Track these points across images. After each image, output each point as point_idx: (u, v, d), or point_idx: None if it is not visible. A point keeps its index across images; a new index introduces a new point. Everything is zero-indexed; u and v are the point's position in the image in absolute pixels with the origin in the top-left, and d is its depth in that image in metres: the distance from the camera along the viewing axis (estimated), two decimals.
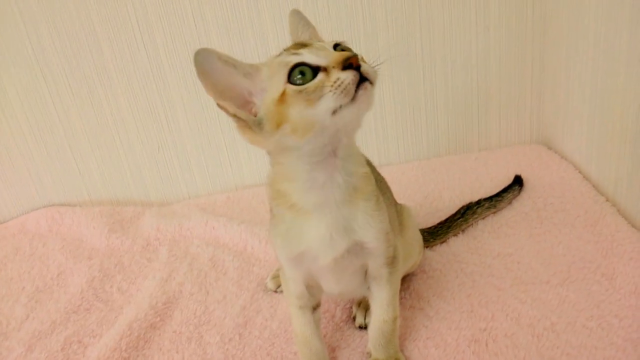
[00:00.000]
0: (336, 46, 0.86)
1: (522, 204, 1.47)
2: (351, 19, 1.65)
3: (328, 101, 0.78)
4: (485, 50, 1.68)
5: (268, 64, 0.86)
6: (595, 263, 1.20)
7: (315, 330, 1.05)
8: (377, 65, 0.83)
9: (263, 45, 1.68)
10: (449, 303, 1.17)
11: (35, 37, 1.67)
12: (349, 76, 0.77)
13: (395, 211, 1.16)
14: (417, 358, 1.05)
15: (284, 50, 0.88)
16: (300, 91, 0.79)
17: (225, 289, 1.35)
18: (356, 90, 0.77)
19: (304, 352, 1.05)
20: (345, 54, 0.80)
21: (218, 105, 0.85)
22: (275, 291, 1.31)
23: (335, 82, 0.77)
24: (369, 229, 0.93)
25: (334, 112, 0.78)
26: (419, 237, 1.23)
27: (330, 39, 0.94)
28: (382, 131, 1.79)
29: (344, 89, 0.77)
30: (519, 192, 1.50)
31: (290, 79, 0.81)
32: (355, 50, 0.86)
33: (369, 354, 1.06)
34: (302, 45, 0.86)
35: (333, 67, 0.79)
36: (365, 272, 1.02)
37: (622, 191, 1.34)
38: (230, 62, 0.84)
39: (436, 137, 1.80)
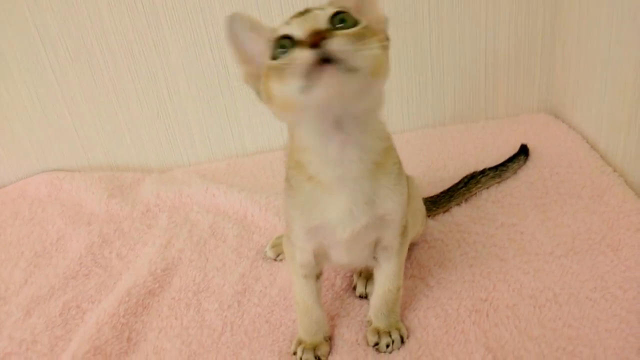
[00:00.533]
0: (336, 15, 0.77)
1: (527, 173, 1.44)
2: None
3: (292, 80, 0.72)
4: (494, 15, 1.63)
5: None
6: (600, 234, 1.18)
7: (317, 299, 1.04)
8: (369, 46, 0.73)
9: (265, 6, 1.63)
10: (451, 273, 1.16)
11: (33, 0, 1.62)
12: (306, 56, 0.70)
13: None
14: (417, 327, 1.04)
15: (292, 15, 0.82)
16: (273, 67, 0.76)
17: (224, 256, 1.34)
18: (316, 73, 0.70)
19: (304, 321, 1.04)
20: (311, 29, 0.72)
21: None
22: (275, 259, 1.30)
23: (297, 59, 0.71)
24: (390, 203, 0.91)
25: (302, 91, 0.72)
26: (422, 208, 1.20)
27: None
28: (387, 98, 1.72)
29: (301, 70, 0.70)
30: (525, 162, 1.47)
31: (273, 52, 0.77)
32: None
33: (370, 323, 1.05)
34: (305, 12, 0.80)
35: (303, 42, 0.72)
36: (375, 244, 1.00)
37: (630, 162, 1.31)
38: (256, 28, 0.83)
39: (442, 104, 1.76)
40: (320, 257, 1.01)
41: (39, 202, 1.70)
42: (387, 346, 1.01)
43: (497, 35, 1.66)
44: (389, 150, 0.92)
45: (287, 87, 0.74)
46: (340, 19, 0.76)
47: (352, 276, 1.20)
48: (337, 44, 0.70)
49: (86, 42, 1.68)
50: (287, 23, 0.79)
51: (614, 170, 1.36)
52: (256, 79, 0.85)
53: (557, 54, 1.67)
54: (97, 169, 1.86)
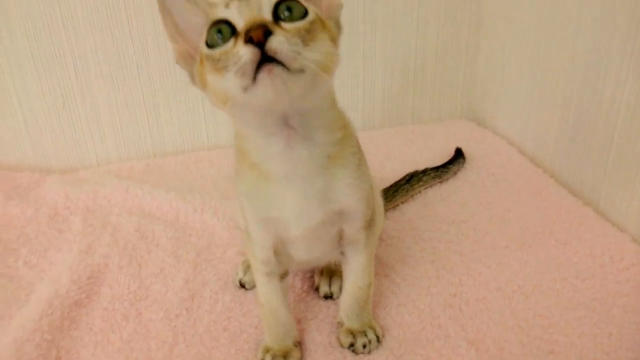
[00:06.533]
0: (281, 2, 0.68)
1: (465, 174, 1.48)
2: None
3: (229, 77, 0.65)
4: (424, 20, 1.67)
5: (218, 4, 0.72)
6: (547, 228, 1.22)
7: (283, 299, 0.94)
8: (318, 44, 0.67)
9: None
10: (414, 269, 1.13)
11: None
12: (246, 53, 0.62)
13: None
14: (391, 325, 0.99)
15: None
16: (208, 57, 0.68)
17: (160, 261, 1.19)
18: (257, 72, 0.62)
19: (270, 324, 0.94)
20: (252, 22, 0.64)
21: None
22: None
23: (234, 55, 0.64)
24: (349, 198, 0.83)
25: (245, 89, 0.64)
26: (381, 203, 1.16)
27: None
28: None
29: (240, 67, 0.63)
30: (463, 164, 1.51)
31: (208, 36, 0.69)
32: None
33: (341, 324, 0.98)
34: None
35: (243, 35, 0.63)
36: (339, 237, 0.93)
37: (561, 164, 1.39)
38: None
39: (372, 108, 1.76)
40: (282, 256, 0.92)
41: None
42: (364, 346, 0.94)
43: (426, 40, 1.70)
44: (346, 139, 0.82)
45: (226, 83, 0.66)
46: (287, 7, 0.68)
47: (312, 276, 1.12)
48: (280, 42, 0.62)
49: None
50: (227, 4, 0.70)
51: (544, 172, 1.44)
52: (189, 60, 0.77)
53: (478, 65, 1.75)
54: None
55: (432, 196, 1.38)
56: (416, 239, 1.22)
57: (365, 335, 0.95)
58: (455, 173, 1.47)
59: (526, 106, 1.52)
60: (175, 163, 1.61)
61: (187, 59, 0.77)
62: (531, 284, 1.07)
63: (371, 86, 1.72)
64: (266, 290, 0.93)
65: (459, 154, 1.52)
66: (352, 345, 0.95)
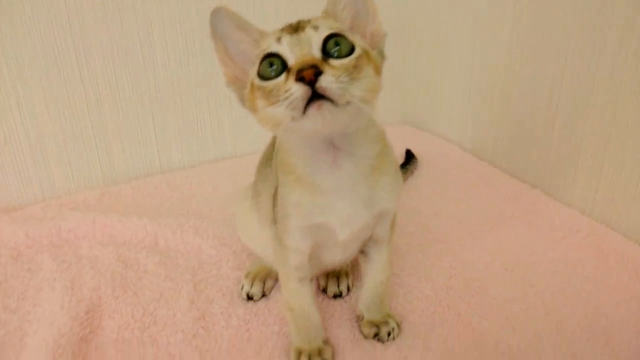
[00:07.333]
0: (330, 38, 0.73)
1: (420, 173, 1.61)
2: None
3: (281, 109, 0.70)
4: None
5: (269, 36, 0.78)
6: (508, 211, 1.38)
7: (313, 301, 0.98)
8: (364, 79, 0.72)
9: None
10: (407, 260, 1.21)
11: None
12: (298, 90, 0.67)
13: None
14: (405, 312, 1.06)
15: (283, 27, 0.77)
16: (260, 88, 0.74)
17: (156, 286, 1.16)
18: (307, 106, 0.68)
19: (301, 326, 0.97)
20: (303, 61, 0.69)
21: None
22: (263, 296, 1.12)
23: (286, 91, 0.69)
24: (389, 202, 0.90)
25: (295, 119, 0.69)
26: None
27: None
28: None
29: (291, 102, 0.68)
30: (417, 164, 1.63)
31: (260, 68, 0.74)
32: None
33: (361, 317, 1.03)
34: (297, 27, 0.75)
35: (295, 72, 0.69)
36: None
37: (503, 155, 1.56)
38: (242, 26, 0.79)
39: None
40: (311, 259, 0.96)
41: None
42: (389, 334, 1.00)
43: None
44: (384, 149, 0.88)
45: (276, 112, 0.71)
46: (335, 43, 0.73)
47: (316, 279, 1.16)
48: (330, 81, 0.68)
49: None
50: (278, 38, 0.75)
51: (488, 164, 1.60)
52: (239, 84, 0.82)
53: (413, 73, 1.90)
54: None
55: None
56: (399, 234, 1.30)
57: (388, 324, 1.01)
58: (412, 172, 1.59)
59: (463, 106, 1.69)
60: (132, 190, 1.56)
61: (236, 83, 0.81)
62: (511, 260, 1.20)
63: None
64: (299, 295, 0.96)
65: (410, 155, 1.64)
66: (376, 335, 1.00)
